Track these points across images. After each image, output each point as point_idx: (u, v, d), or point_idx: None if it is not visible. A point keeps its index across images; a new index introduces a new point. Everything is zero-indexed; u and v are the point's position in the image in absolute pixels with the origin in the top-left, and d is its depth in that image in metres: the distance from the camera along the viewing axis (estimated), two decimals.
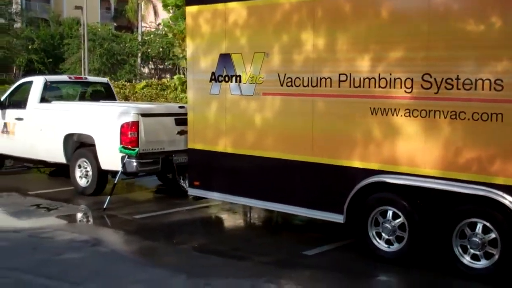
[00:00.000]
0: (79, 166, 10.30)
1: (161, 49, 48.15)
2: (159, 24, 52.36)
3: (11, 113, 11.58)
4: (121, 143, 9.37)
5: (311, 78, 6.82)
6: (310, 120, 6.86)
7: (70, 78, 12.55)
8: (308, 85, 6.86)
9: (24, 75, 39.76)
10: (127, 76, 43.89)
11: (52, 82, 11.59)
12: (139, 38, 50.24)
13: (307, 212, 7.03)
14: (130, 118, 9.44)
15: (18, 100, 11.91)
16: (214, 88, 7.79)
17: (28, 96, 11.37)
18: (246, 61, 7.40)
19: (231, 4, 7.52)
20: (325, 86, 6.72)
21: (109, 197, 9.07)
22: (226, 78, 7.64)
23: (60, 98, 11.83)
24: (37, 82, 11.39)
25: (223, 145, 7.75)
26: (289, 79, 7.02)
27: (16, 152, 11.65)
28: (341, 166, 6.64)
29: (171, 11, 12.97)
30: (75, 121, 10.42)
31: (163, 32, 48.33)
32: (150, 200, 10.42)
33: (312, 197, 6.92)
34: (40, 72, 40.13)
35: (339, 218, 6.70)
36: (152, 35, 49.40)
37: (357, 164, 6.51)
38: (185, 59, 13.30)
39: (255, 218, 9.00)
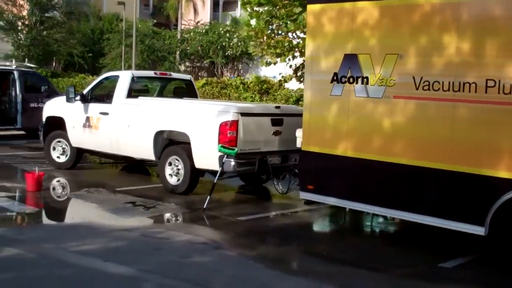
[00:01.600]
0: (170, 164, 10.08)
1: (200, 47, 48.11)
2: (198, 22, 52.44)
3: (95, 107, 11.41)
4: (219, 142, 9.14)
5: (453, 82, 6.50)
6: (449, 126, 6.55)
7: (155, 73, 12.37)
8: (448, 90, 6.54)
9: (64, 69, 39.90)
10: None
11: (138, 77, 11.39)
12: (178, 36, 50.22)
13: (441, 223, 6.71)
14: (230, 117, 9.22)
15: (102, 94, 11.79)
16: (335, 89, 7.51)
17: (114, 90, 11.20)
18: (376, 63, 7.11)
19: (360, 4, 7.24)
20: (469, 91, 6.39)
21: (208, 197, 8.86)
22: (351, 80, 7.36)
23: (144, 93, 11.64)
24: (124, 77, 11.23)
25: (343, 149, 7.47)
26: (426, 83, 6.70)
27: (99, 147, 11.50)
28: (484, 175, 6.32)
29: (248, 9, 12.69)
30: (166, 118, 10.22)
31: (203, 30, 48.40)
32: (244, 201, 10.16)
33: (448, 206, 6.61)
34: (80, 67, 40.28)
35: (479, 230, 6.37)
36: (191, 33, 49.34)
37: (503, 174, 6.18)
38: (265, 58, 13.09)
39: (367, 225, 8.71)
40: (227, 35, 47.18)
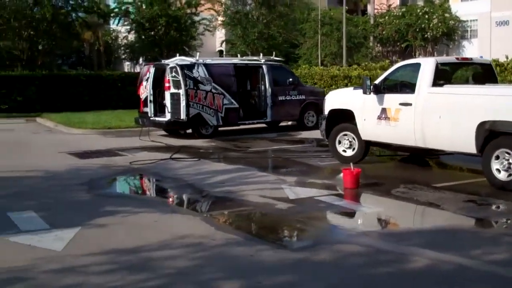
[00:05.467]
0: (497, 157, 9.13)
1: (396, 31, 46.57)
2: (390, 5, 50.80)
3: (392, 98, 10.79)
4: None
5: None
6: None
7: (457, 59, 11.53)
8: None
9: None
10: (364, 60, 42.96)
11: (442, 64, 10.57)
12: (371, 21, 49.06)
13: None
14: None
15: (396, 84, 11.16)
16: None
17: (414, 80, 10.48)
18: None
19: None
20: None
21: None
22: None
23: (446, 80, 10.79)
24: (428, 64, 10.46)
25: None
26: None
27: (398, 140, 10.88)
28: None
29: None
30: (490, 107, 9.26)
31: (399, 13, 46.71)
32: None
33: None
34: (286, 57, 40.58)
35: None
36: (386, 17, 47.92)
37: None
38: None
39: None
40: (426, 16, 45.10)
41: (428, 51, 45.95)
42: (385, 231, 7.22)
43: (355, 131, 11.55)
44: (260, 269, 5.54)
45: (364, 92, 11.00)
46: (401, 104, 10.58)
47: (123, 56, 41.34)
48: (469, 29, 45.79)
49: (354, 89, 12.16)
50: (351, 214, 8.15)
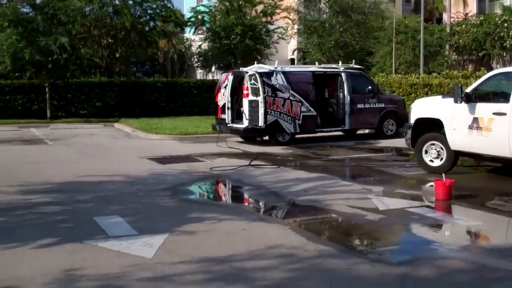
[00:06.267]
0: None
1: (473, 39, 45.09)
2: (467, 14, 49.25)
3: (485, 107, 10.25)
4: None
5: None
6: None
7: None
8: None
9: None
10: (439, 68, 41.79)
11: None
12: (447, 29, 47.72)
13: None
14: None
15: (488, 93, 10.61)
16: None
17: (510, 88, 9.92)
18: None
19: None
20: None
21: None
22: None
23: None
24: None
25: None
26: None
27: (490, 150, 10.31)
28: None
29: None
30: None
31: (477, 22, 45.17)
32: None
33: None
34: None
35: None
36: (463, 25, 46.49)
37: None
38: None
39: None
40: (505, 24, 43.45)
41: (507, 60, 44.27)
42: (487, 246, 6.76)
43: (444, 140, 11.06)
44: (362, 285, 5.24)
45: (455, 101, 10.51)
46: (495, 113, 10.04)
47: (196, 64, 41.76)
48: None
49: (442, 97, 11.66)
50: (446, 227, 7.71)
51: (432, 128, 11.40)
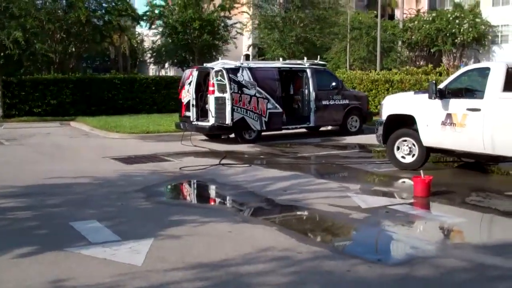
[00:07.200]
0: None
1: (425, 36, 46.01)
2: (419, 10, 50.17)
3: (459, 103, 10.33)
4: None
5: None
6: None
7: None
8: None
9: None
10: (392, 64, 42.44)
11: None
12: (400, 25, 48.52)
13: None
14: None
15: (461, 89, 10.70)
16: None
17: (484, 84, 9.99)
18: None
19: None
20: None
21: None
22: None
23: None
24: (498, 69, 9.98)
25: None
26: None
27: (463, 146, 10.41)
28: None
29: None
30: None
31: (429, 18, 46.01)
32: None
33: None
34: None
35: None
36: (416, 22, 47.36)
37: None
38: None
39: None
40: (457, 21, 44.48)
41: (457, 56, 45.30)
42: (478, 244, 6.71)
43: (416, 137, 11.09)
44: (365, 286, 5.11)
45: (430, 97, 10.54)
46: (469, 109, 10.11)
47: (149, 60, 41.08)
48: (500, 34, 45.16)
49: (415, 93, 11.72)
50: (433, 225, 7.67)
51: (403, 124, 11.42)
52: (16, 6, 22.75)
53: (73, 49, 29.76)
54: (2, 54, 22.85)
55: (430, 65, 23.98)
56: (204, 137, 16.92)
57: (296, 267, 5.64)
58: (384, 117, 11.78)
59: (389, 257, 6.20)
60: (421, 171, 9.25)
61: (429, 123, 10.78)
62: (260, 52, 41.35)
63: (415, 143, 11.21)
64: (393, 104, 11.77)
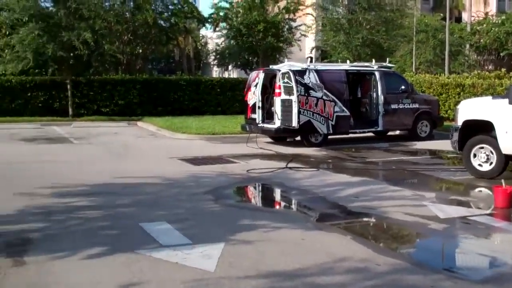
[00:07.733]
0: None
1: (494, 39, 44.41)
2: (487, 13, 48.50)
3: None
4: None
5: None
6: None
7: None
8: None
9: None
10: (460, 68, 41.17)
11: None
12: (468, 28, 47.02)
13: None
14: None
15: None
16: None
17: None
18: None
19: None
20: None
21: None
22: None
23: None
24: None
25: None
26: None
27: None
28: None
29: None
30: None
31: (498, 21, 44.41)
32: None
33: None
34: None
35: None
36: (484, 24, 45.78)
37: None
38: None
39: None
40: None
41: None
42: None
43: (494, 144, 10.55)
44: None
45: (511, 102, 9.99)
46: None
47: (213, 62, 41.29)
48: None
49: (493, 98, 11.15)
50: None
51: (481, 130, 10.90)
52: (85, 8, 23.23)
53: (140, 51, 30.21)
54: (71, 54, 23.39)
55: (503, 69, 23.04)
56: (269, 140, 16.74)
57: (376, 280, 5.35)
58: (459, 122, 11.27)
59: (475, 273, 5.79)
60: (503, 181, 8.74)
61: (508, 129, 10.24)
62: (323, 55, 40.88)
63: (493, 151, 10.67)
64: (469, 109, 11.25)
